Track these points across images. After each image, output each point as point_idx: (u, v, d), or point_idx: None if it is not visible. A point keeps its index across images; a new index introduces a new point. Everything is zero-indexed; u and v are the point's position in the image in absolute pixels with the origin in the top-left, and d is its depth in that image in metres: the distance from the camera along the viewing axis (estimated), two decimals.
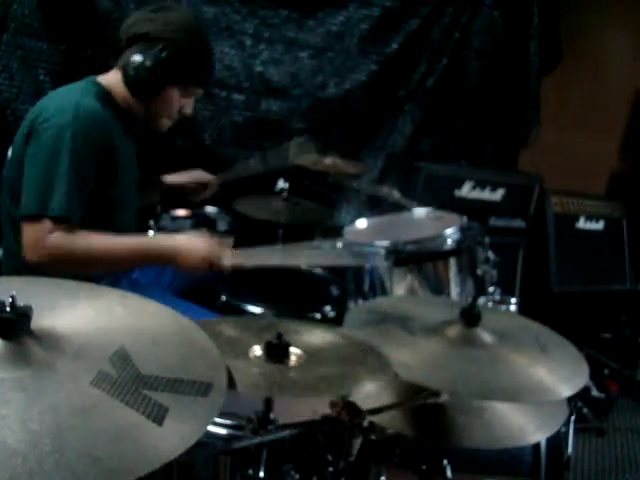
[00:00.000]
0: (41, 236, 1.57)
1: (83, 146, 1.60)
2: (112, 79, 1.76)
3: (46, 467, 0.69)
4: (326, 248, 1.89)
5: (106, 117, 1.69)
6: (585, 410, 2.68)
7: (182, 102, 1.80)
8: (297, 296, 1.94)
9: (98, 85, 1.74)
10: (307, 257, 1.87)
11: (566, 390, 1.14)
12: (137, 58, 1.69)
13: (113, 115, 1.73)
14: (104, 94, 1.73)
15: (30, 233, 1.58)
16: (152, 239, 1.69)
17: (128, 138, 1.83)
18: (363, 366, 1.10)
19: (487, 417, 1.31)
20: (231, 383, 0.98)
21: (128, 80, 1.72)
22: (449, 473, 1.40)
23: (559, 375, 1.18)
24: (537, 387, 1.15)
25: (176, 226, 2.45)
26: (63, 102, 1.65)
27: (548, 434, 1.35)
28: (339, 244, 2.08)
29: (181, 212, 2.66)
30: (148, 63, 1.68)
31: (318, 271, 2.43)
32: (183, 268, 1.67)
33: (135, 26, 1.71)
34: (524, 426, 1.32)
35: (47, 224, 1.56)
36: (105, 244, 1.63)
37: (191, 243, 1.66)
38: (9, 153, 1.76)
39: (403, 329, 1.28)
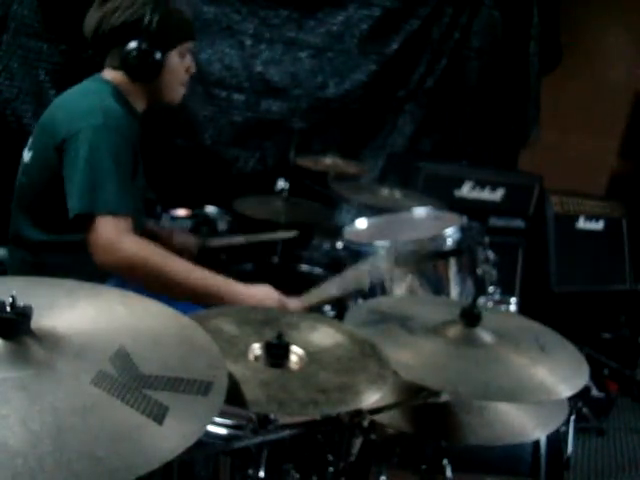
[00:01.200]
0: (112, 235, 1.54)
1: (120, 146, 1.61)
2: (115, 78, 1.76)
3: (47, 467, 0.69)
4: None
5: (127, 116, 1.70)
6: (585, 410, 2.68)
7: (185, 64, 1.81)
8: (297, 296, 1.94)
9: (109, 84, 1.75)
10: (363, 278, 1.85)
11: (566, 390, 1.14)
12: (133, 45, 1.69)
13: (129, 113, 1.74)
14: (117, 93, 1.74)
15: (100, 234, 1.55)
16: (225, 281, 1.66)
17: (140, 137, 1.84)
18: (364, 374, 1.10)
19: (488, 415, 1.32)
20: (239, 401, 0.99)
21: (134, 71, 1.72)
22: (449, 473, 1.40)
23: (559, 375, 1.18)
24: (537, 387, 1.15)
25: (176, 226, 2.45)
26: (87, 106, 1.65)
27: (549, 431, 1.35)
28: (339, 244, 2.08)
29: (181, 212, 2.67)
30: (144, 45, 1.69)
31: (318, 271, 2.43)
32: None
33: (105, 22, 1.70)
34: (525, 423, 1.32)
35: (114, 222, 1.55)
36: (182, 269, 1.60)
37: (260, 296, 1.62)
38: (25, 157, 1.75)
39: (403, 329, 1.28)
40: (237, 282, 1.65)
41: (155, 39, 1.70)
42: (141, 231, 1.90)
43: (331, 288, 1.77)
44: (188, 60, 1.82)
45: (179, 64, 1.79)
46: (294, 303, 1.64)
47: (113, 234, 1.54)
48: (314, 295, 1.72)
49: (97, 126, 1.59)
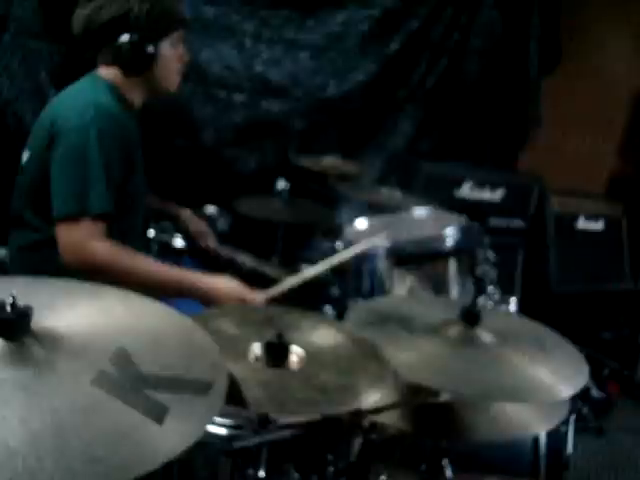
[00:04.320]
0: (82, 238, 1.56)
1: (110, 143, 1.61)
2: (109, 74, 1.76)
3: (46, 467, 0.69)
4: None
5: (121, 113, 1.70)
6: (585, 410, 2.68)
7: (178, 52, 1.81)
8: (297, 296, 1.94)
9: (104, 81, 1.75)
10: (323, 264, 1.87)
11: (566, 390, 1.14)
12: (124, 39, 1.69)
13: (124, 110, 1.74)
14: (112, 90, 1.74)
15: (71, 235, 1.57)
16: (192, 275, 1.69)
17: (138, 133, 1.83)
18: (364, 374, 1.10)
19: (490, 412, 1.32)
20: (240, 401, 0.99)
21: (127, 64, 1.73)
22: (449, 473, 1.40)
23: (559, 375, 1.18)
24: (537, 387, 1.15)
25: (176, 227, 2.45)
26: (79, 102, 1.66)
27: (550, 427, 1.35)
28: (339, 244, 2.08)
29: None
30: (135, 36, 1.69)
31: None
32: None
33: (93, 20, 1.70)
34: (526, 419, 1.32)
35: (88, 225, 1.56)
36: (148, 268, 1.63)
37: (224, 289, 1.65)
38: (24, 158, 1.75)
39: (403, 329, 1.28)
40: (204, 275, 1.68)
41: (145, 30, 1.70)
42: (141, 228, 1.90)
43: (291, 280, 1.78)
44: (181, 49, 1.82)
45: (172, 53, 1.79)
46: (259, 297, 1.66)
47: (83, 237, 1.56)
48: (278, 288, 1.74)
49: (85, 126, 1.59)
